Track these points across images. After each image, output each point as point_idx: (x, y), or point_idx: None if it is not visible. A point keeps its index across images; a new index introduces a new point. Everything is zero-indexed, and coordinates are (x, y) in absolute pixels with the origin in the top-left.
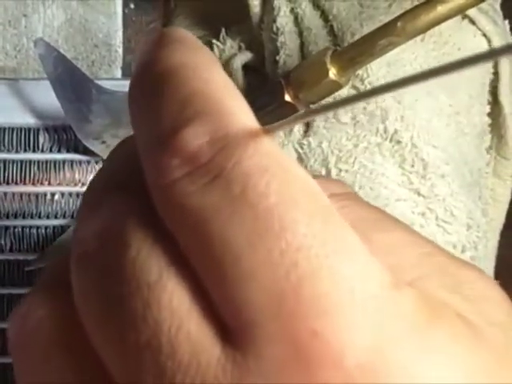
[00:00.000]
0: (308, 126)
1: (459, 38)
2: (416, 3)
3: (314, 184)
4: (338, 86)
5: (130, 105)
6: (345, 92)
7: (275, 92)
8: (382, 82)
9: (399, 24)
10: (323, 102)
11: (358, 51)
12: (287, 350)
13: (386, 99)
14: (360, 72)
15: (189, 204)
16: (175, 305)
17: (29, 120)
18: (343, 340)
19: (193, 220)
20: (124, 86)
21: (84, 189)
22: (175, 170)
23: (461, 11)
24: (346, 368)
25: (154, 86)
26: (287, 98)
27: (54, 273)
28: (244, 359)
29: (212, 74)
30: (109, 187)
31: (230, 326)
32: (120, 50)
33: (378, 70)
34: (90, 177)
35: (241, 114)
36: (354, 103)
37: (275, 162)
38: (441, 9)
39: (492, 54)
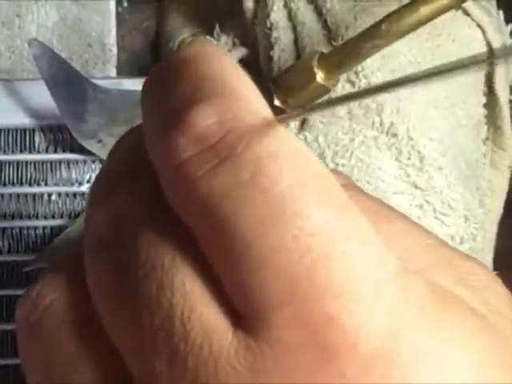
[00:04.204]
0: (304, 120)
1: (453, 29)
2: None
3: (326, 170)
4: (325, 90)
5: (143, 95)
6: (339, 87)
7: (264, 96)
8: (377, 74)
9: (383, 26)
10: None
11: (344, 55)
12: (301, 335)
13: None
14: None
15: (197, 187)
16: (188, 288)
17: (24, 120)
18: (358, 324)
19: (201, 204)
20: (119, 84)
21: (81, 188)
22: (183, 151)
23: (443, 12)
24: (360, 352)
25: (166, 72)
26: (276, 102)
27: (67, 257)
28: (257, 344)
29: (224, 62)
30: (119, 175)
31: (243, 311)
32: (114, 49)
33: (372, 63)
34: (87, 176)
35: (252, 98)
36: (365, 97)
37: (288, 147)
38: (423, 10)
39: (491, 57)
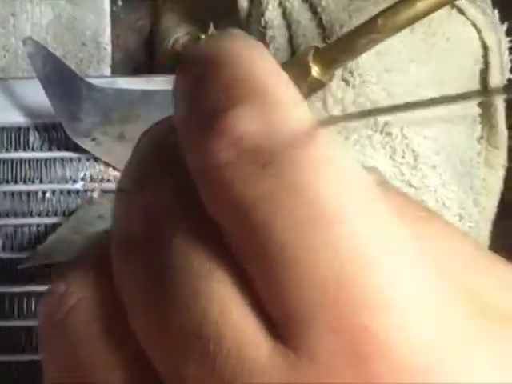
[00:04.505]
0: None
1: (448, 27)
2: None
3: (366, 175)
4: (321, 84)
5: (175, 90)
6: (334, 85)
7: None
8: (372, 73)
9: (380, 21)
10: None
11: (339, 49)
12: (340, 345)
13: (376, 91)
14: (349, 64)
15: (234, 191)
16: (223, 294)
17: (19, 119)
18: (396, 337)
19: (237, 207)
20: (113, 83)
21: (75, 186)
22: (220, 155)
23: (440, 6)
24: (399, 366)
25: (200, 67)
26: None
27: (90, 254)
28: (296, 355)
29: (263, 58)
30: (148, 172)
31: (278, 319)
32: (109, 48)
33: (367, 62)
34: (81, 174)
35: (293, 100)
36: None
37: (327, 153)
38: (420, 5)
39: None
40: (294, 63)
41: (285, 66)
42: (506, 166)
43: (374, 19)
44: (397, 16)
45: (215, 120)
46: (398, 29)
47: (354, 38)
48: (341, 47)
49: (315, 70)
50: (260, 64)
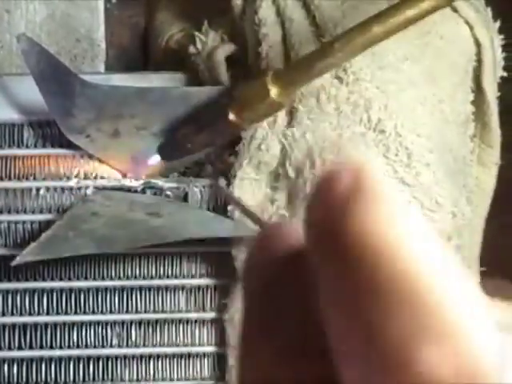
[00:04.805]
0: (292, 116)
1: (442, 26)
2: None
3: None
4: (279, 106)
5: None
6: (328, 83)
7: (220, 110)
8: (365, 71)
9: (336, 45)
10: None
11: (296, 73)
12: None
13: (370, 89)
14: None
15: None
16: None
17: (13, 115)
18: None
19: None
20: (108, 79)
21: (69, 183)
22: None
23: (398, 30)
24: None
25: (362, 279)
26: (231, 116)
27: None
28: None
29: (449, 281)
30: None
31: None
32: (103, 45)
33: (361, 60)
34: (75, 171)
35: (487, 343)
36: None
37: None
38: (377, 29)
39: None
40: (253, 84)
41: (245, 86)
42: (499, 163)
43: (330, 43)
44: (353, 41)
45: (401, 360)
46: (354, 54)
47: (311, 62)
48: (298, 71)
49: (273, 92)
50: (447, 287)
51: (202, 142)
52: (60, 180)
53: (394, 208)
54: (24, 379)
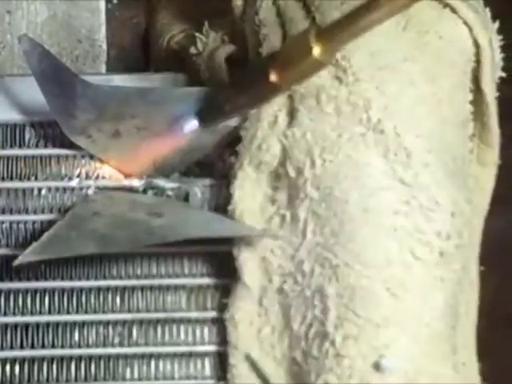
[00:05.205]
0: (292, 116)
1: (440, 26)
2: None
3: None
4: (320, 65)
5: None
6: (328, 84)
7: (260, 71)
8: (365, 72)
9: (382, 0)
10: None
11: (340, 30)
12: None
13: (369, 89)
14: (343, 63)
15: None
16: None
17: (15, 116)
18: None
19: None
20: (109, 80)
21: (70, 183)
22: None
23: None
24: None
25: None
26: (272, 77)
27: None
28: None
29: None
30: None
31: None
32: (104, 45)
33: (360, 60)
34: (77, 171)
35: None
36: None
37: None
38: None
39: None
40: (295, 43)
41: (286, 45)
42: (498, 163)
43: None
44: None
45: None
46: (400, 9)
47: (355, 17)
48: (342, 28)
49: (316, 51)
50: None
51: (242, 105)
52: (61, 180)
53: None
54: (26, 379)
